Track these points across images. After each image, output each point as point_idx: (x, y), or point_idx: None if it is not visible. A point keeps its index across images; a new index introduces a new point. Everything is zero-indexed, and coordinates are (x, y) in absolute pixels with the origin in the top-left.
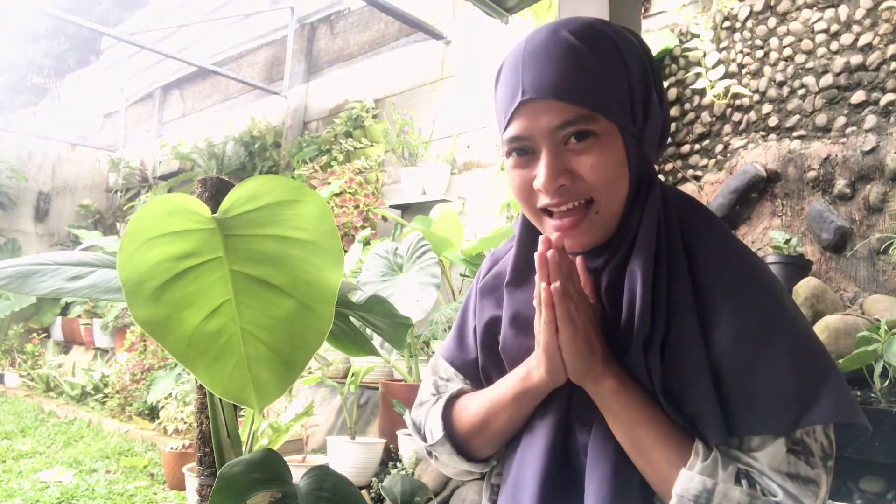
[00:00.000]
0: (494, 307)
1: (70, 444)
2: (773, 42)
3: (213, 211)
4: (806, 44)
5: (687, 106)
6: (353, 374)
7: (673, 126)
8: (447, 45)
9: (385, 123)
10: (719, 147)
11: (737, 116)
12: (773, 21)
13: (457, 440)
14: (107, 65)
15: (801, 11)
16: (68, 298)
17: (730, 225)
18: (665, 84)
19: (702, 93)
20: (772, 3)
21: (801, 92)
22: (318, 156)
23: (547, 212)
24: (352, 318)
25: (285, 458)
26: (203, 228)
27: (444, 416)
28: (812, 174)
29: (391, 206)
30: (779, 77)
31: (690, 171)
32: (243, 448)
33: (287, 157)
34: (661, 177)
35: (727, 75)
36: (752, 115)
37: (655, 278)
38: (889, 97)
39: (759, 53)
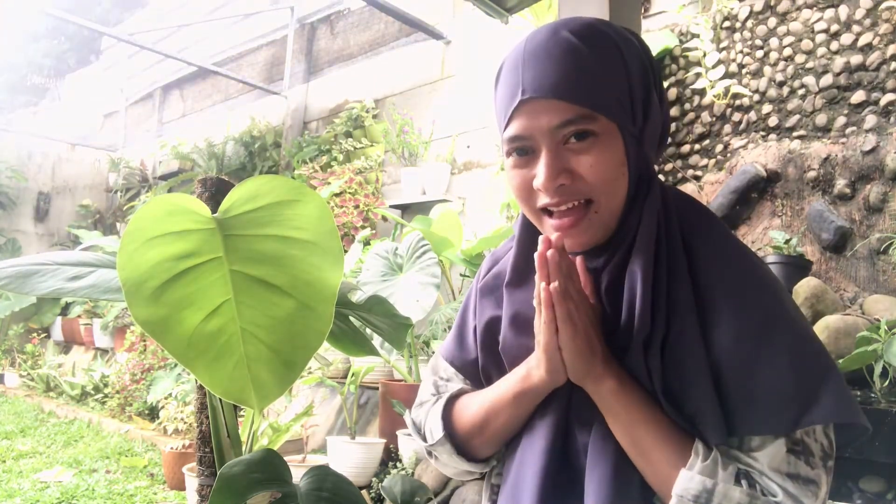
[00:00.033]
0: (494, 307)
1: (70, 444)
2: (773, 42)
3: (213, 211)
4: (806, 44)
5: (687, 106)
6: (353, 374)
7: (673, 126)
8: (447, 45)
9: (385, 123)
10: (719, 147)
11: (737, 116)
12: (773, 21)
13: (457, 440)
14: (107, 65)
15: (801, 11)
16: (68, 298)
17: (730, 225)
18: (665, 84)
19: (702, 93)
20: (772, 3)
21: (801, 92)
22: (318, 156)
23: (547, 211)
24: (352, 318)
25: (285, 458)
26: (203, 228)
27: (444, 416)
28: (812, 174)
29: (391, 206)
30: (779, 77)
31: (690, 171)
32: (243, 448)
33: (287, 157)
34: (661, 177)
35: (727, 75)
36: (752, 115)
37: (655, 278)
38: (889, 97)
39: (759, 53)
